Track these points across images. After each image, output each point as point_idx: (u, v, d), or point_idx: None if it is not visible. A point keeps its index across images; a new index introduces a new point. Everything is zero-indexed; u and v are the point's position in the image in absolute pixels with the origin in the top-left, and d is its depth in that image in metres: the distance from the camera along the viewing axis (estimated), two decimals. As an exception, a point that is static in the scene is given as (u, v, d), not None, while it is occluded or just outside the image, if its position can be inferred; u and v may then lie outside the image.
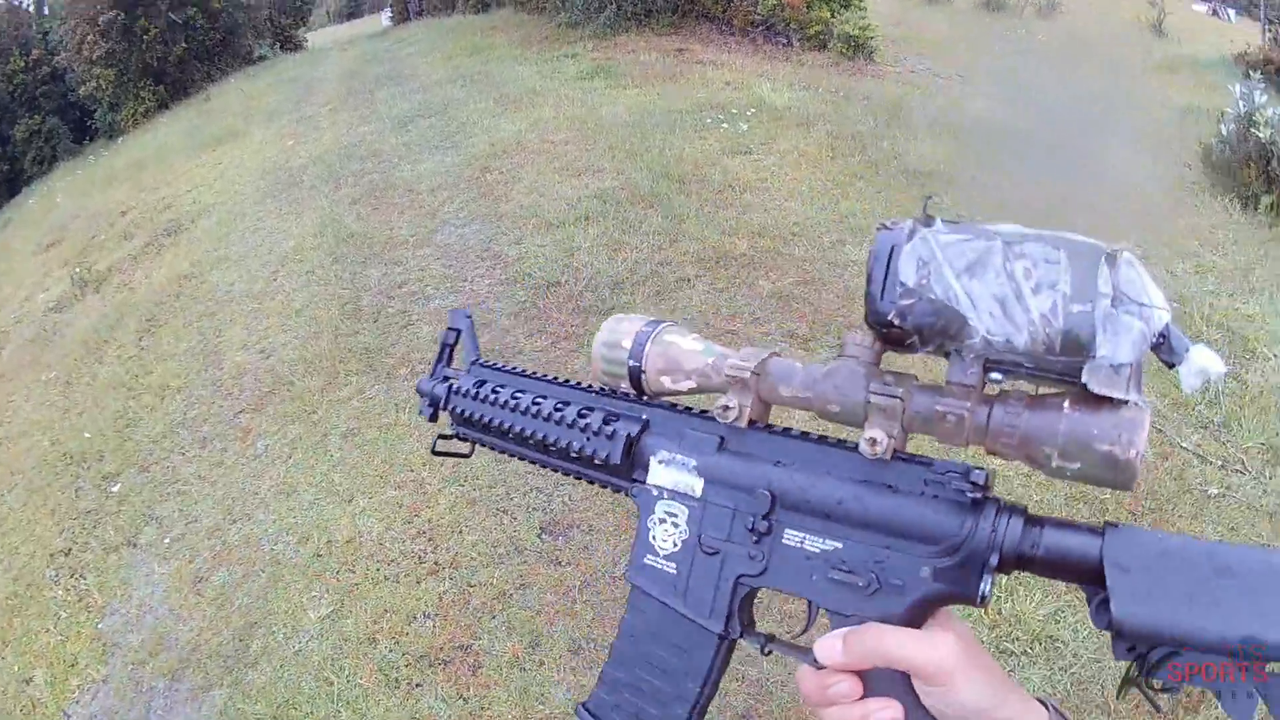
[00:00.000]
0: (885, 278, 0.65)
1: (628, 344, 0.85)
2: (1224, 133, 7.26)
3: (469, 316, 1.12)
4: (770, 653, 0.79)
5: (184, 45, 24.30)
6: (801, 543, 0.75)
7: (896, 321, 0.65)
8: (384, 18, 32.70)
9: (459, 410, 1.04)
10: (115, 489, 5.45)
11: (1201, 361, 0.60)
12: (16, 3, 28.17)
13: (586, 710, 0.87)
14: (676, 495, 0.82)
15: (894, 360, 0.72)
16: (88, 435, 6.24)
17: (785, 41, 12.15)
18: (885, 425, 0.69)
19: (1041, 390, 0.65)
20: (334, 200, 8.91)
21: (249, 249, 8.47)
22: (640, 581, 0.84)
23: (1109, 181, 6.94)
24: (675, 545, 0.82)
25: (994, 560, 0.66)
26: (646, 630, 0.84)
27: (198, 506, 4.95)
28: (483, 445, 1.05)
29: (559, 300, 5.77)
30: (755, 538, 0.77)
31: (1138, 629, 0.60)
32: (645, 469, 0.85)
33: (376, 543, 4.16)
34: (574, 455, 0.90)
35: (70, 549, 5.12)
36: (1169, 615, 0.59)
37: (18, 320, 10.25)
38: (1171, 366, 0.61)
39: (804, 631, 0.79)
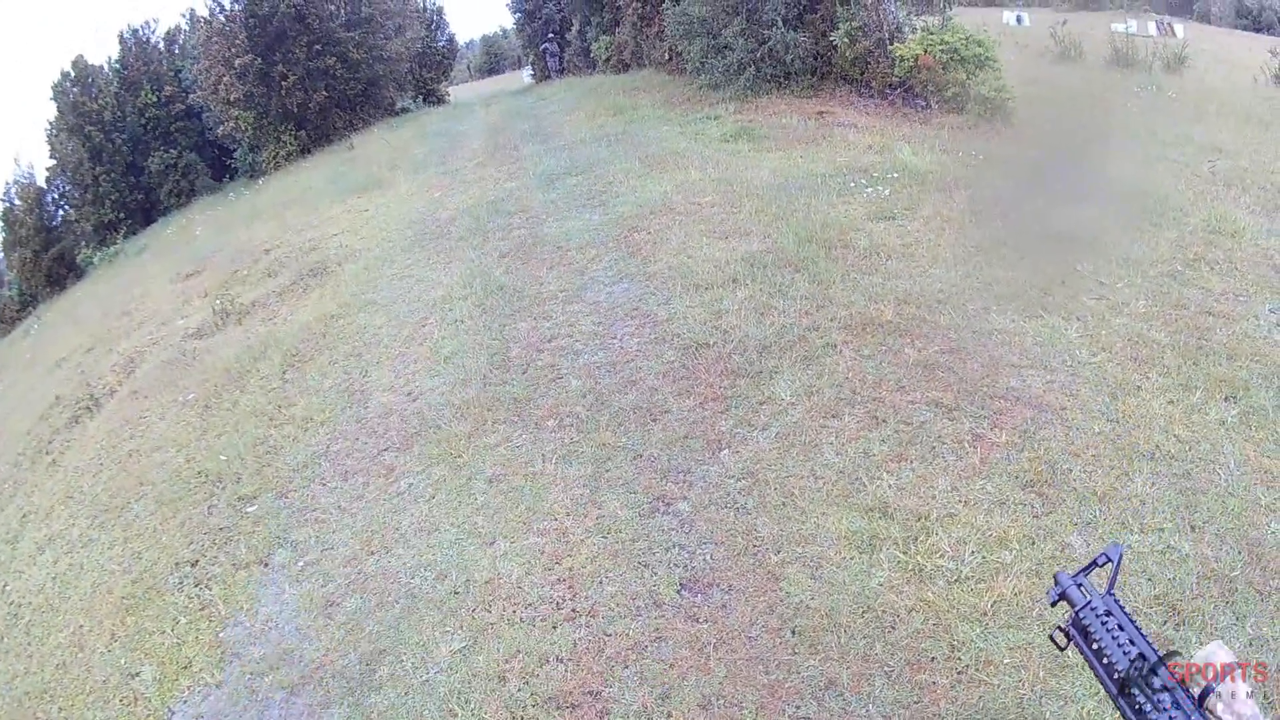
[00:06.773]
0: None
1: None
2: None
3: (1122, 554, 1.43)
4: None
5: (324, 93, 26.04)
6: None
7: None
8: (525, 75, 34.38)
9: (1084, 621, 1.37)
10: (251, 509, 5.94)
11: None
12: (145, 39, 30.60)
13: None
14: None
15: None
16: (224, 457, 6.79)
17: (924, 104, 12.61)
18: None
19: None
20: (482, 253, 9.58)
21: (396, 295, 9.15)
22: None
23: (1246, 238, 6.95)
24: None
25: None
26: None
27: (335, 535, 5.35)
28: (1079, 651, 1.37)
29: (708, 361, 6.04)
30: None
31: None
32: None
33: (515, 585, 4.44)
34: None
35: (198, 560, 5.59)
36: None
37: (154, 343, 11.19)
38: None
39: None
